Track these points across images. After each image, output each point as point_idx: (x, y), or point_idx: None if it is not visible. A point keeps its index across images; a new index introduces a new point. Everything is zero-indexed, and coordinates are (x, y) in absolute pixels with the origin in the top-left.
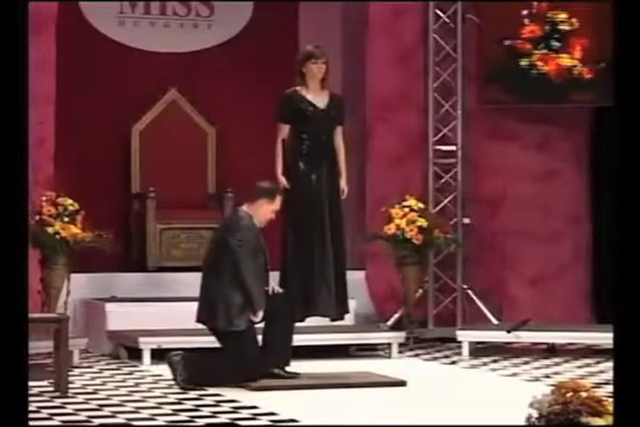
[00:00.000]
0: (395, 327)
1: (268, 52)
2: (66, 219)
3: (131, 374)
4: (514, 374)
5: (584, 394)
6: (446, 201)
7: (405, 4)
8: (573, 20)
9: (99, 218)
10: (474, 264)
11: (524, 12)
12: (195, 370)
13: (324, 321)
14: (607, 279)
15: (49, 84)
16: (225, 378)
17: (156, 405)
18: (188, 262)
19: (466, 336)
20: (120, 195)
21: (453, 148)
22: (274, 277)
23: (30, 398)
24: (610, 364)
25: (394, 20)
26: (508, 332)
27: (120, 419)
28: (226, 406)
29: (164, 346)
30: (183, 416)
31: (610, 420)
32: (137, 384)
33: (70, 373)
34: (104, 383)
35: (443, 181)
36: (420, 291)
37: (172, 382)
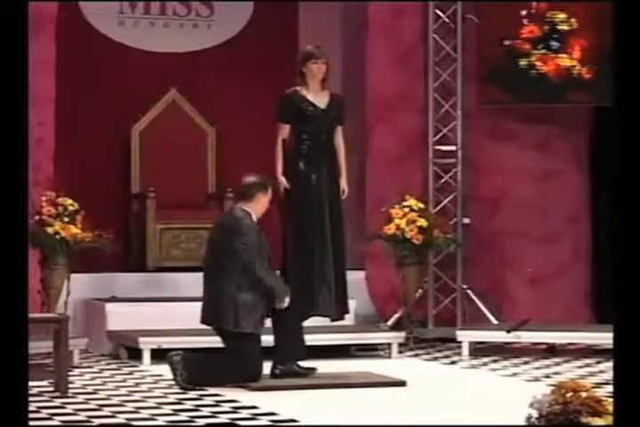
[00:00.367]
0: (395, 327)
1: (268, 52)
2: (66, 219)
3: (131, 374)
4: (514, 374)
5: (584, 394)
6: (446, 201)
7: (405, 4)
8: (572, 20)
9: (99, 218)
10: (474, 264)
11: (524, 13)
12: (195, 370)
13: (324, 321)
14: (607, 279)
15: (49, 84)
16: (225, 378)
17: (155, 405)
18: (187, 262)
19: (466, 336)
20: (120, 195)
21: (453, 148)
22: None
23: (30, 398)
24: (610, 364)
25: (394, 20)
26: (508, 332)
27: (120, 419)
28: (226, 406)
29: (164, 346)
30: (183, 416)
31: (610, 420)
32: (137, 384)
33: (70, 373)
34: (104, 383)
35: (443, 181)
36: (420, 291)
37: (172, 382)
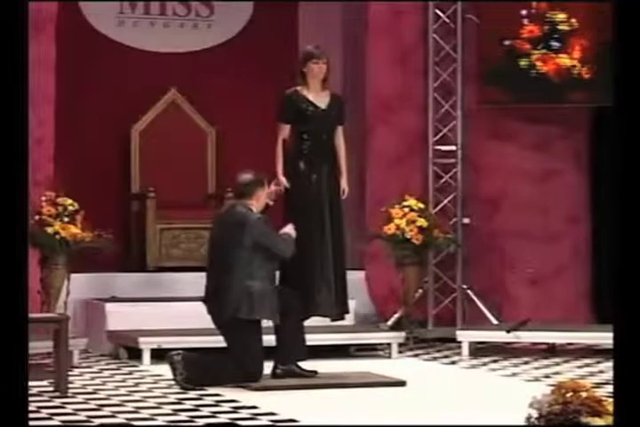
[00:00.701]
0: (394, 327)
1: (268, 52)
2: (65, 219)
3: (131, 374)
4: (514, 374)
5: (584, 394)
6: (446, 201)
7: (405, 4)
8: (572, 20)
9: (98, 218)
10: (474, 264)
11: (524, 12)
12: (195, 370)
13: (324, 321)
14: (607, 279)
15: (49, 84)
16: (225, 378)
17: (156, 405)
18: (187, 262)
19: (466, 336)
20: (120, 195)
21: (453, 148)
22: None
23: (30, 398)
24: (610, 364)
25: (394, 20)
26: (508, 332)
27: (120, 419)
28: (226, 406)
29: (164, 346)
30: (183, 416)
31: (610, 420)
32: (137, 384)
33: (70, 373)
34: (104, 383)
35: (442, 181)
36: (420, 291)
37: (172, 382)
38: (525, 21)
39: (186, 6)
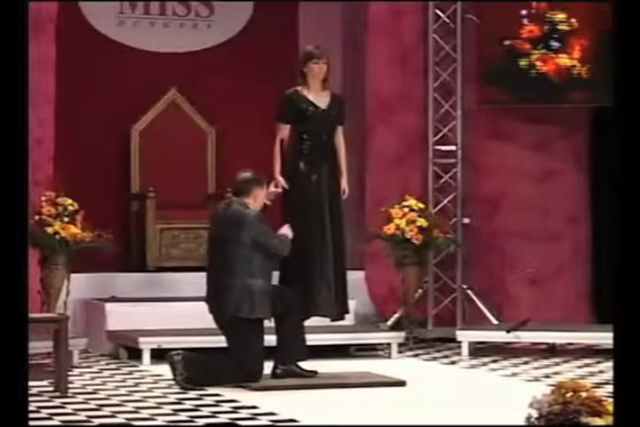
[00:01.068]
0: (394, 327)
1: (268, 52)
2: (65, 219)
3: (131, 374)
4: (514, 374)
5: (584, 394)
6: (446, 201)
7: (405, 4)
8: (572, 20)
9: (98, 218)
10: (473, 264)
11: (524, 12)
12: (195, 370)
13: (324, 321)
14: (607, 279)
15: (49, 84)
16: (225, 378)
17: (155, 405)
18: (187, 262)
19: (466, 336)
20: (120, 195)
21: (453, 148)
22: (274, 277)
23: (30, 398)
24: (610, 364)
25: (394, 20)
26: (508, 332)
27: (120, 419)
28: (226, 406)
29: (164, 346)
30: (183, 416)
31: (610, 420)
32: (137, 384)
33: (70, 373)
34: (104, 383)
35: (442, 181)
36: (420, 291)
37: (172, 382)
38: (525, 21)
39: (186, 6)
